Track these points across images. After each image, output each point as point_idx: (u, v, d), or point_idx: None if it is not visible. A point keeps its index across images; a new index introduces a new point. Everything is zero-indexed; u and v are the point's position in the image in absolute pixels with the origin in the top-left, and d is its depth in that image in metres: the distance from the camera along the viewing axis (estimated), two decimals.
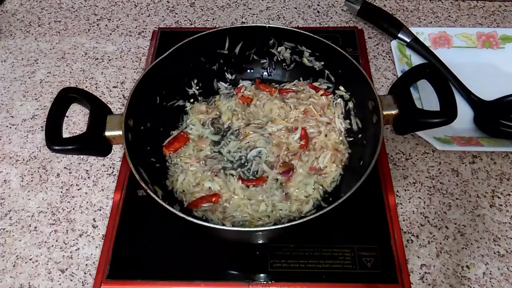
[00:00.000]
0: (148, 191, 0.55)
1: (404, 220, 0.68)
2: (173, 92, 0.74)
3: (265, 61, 0.79)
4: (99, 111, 0.60)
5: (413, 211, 0.69)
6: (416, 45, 0.85)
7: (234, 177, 0.67)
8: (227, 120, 0.73)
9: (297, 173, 0.66)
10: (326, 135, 0.70)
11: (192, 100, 0.77)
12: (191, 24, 0.98)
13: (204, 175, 0.67)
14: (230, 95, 0.77)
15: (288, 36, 0.74)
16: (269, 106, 0.74)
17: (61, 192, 0.72)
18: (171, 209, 0.53)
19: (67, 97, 0.60)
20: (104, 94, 0.85)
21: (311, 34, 0.71)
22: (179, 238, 0.65)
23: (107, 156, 0.63)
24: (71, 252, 0.66)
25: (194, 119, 0.74)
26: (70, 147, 0.56)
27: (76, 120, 0.82)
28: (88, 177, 0.74)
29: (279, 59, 0.78)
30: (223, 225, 0.62)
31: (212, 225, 0.54)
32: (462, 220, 0.67)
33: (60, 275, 0.64)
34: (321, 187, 0.66)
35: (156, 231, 0.66)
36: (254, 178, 0.67)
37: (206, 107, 0.75)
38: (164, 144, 0.71)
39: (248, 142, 0.70)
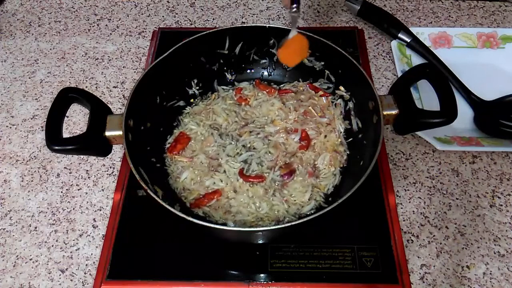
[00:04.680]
0: (148, 191, 0.55)
1: (404, 220, 0.68)
2: (173, 92, 0.74)
3: (265, 61, 0.79)
4: (99, 111, 0.60)
5: (413, 211, 0.69)
6: (416, 45, 0.85)
7: (235, 170, 0.67)
8: (224, 121, 0.73)
9: (295, 180, 0.66)
10: (325, 136, 0.71)
11: (191, 101, 0.77)
12: (191, 24, 0.98)
13: (207, 171, 0.67)
14: (227, 96, 0.77)
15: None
16: (266, 107, 0.74)
17: (61, 192, 0.72)
18: (171, 209, 0.53)
19: (67, 97, 0.60)
20: (104, 94, 0.85)
21: (311, 34, 0.70)
22: (179, 238, 0.65)
23: (107, 156, 0.63)
24: (71, 252, 0.66)
25: (192, 121, 0.74)
26: (70, 147, 0.56)
27: (76, 120, 0.82)
28: (88, 177, 0.74)
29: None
30: (224, 224, 0.62)
31: (212, 225, 0.54)
32: (462, 220, 0.67)
33: (60, 275, 0.64)
34: (319, 190, 0.66)
35: (156, 231, 0.66)
36: (253, 175, 0.67)
37: (204, 108, 0.75)
38: (167, 148, 0.71)
39: (244, 145, 0.70)
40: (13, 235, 0.68)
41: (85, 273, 0.64)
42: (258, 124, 0.73)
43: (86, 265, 0.65)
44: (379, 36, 0.93)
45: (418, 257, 0.64)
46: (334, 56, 0.69)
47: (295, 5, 0.63)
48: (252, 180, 0.66)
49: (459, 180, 0.72)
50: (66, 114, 0.60)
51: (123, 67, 0.90)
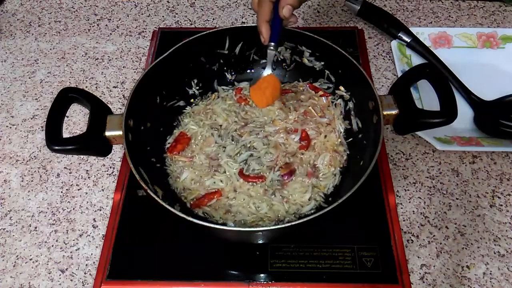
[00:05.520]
0: (148, 191, 0.55)
1: (404, 220, 0.68)
2: (173, 92, 0.74)
3: (265, 61, 0.79)
4: (99, 111, 0.60)
5: (413, 211, 0.69)
6: (416, 45, 0.85)
7: (235, 170, 0.67)
8: (224, 121, 0.73)
9: (294, 180, 0.66)
10: (325, 136, 0.71)
11: (191, 101, 0.77)
12: (191, 24, 0.98)
13: (207, 172, 0.67)
14: (227, 96, 0.77)
15: (288, 36, 0.74)
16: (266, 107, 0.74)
17: (61, 192, 0.72)
18: (171, 209, 0.53)
19: (67, 97, 0.60)
20: (104, 94, 0.85)
21: (311, 34, 0.71)
22: (179, 238, 0.65)
23: (107, 156, 0.63)
24: (71, 252, 0.66)
25: (192, 121, 0.74)
26: (70, 147, 0.56)
27: (76, 120, 0.82)
28: (88, 177, 0.74)
29: (279, 59, 0.78)
30: (224, 224, 0.62)
31: (212, 225, 0.54)
32: (462, 220, 0.67)
33: (60, 275, 0.64)
34: (319, 190, 0.66)
35: (156, 231, 0.66)
36: (253, 175, 0.67)
37: (204, 108, 0.75)
38: (167, 148, 0.71)
39: (244, 145, 0.70)
40: (13, 235, 0.68)
41: (85, 273, 0.64)
42: (258, 124, 0.72)
43: (86, 265, 0.65)
44: (379, 36, 0.93)
45: (418, 257, 0.64)
46: (334, 56, 0.69)
47: (273, 43, 0.63)
48: (252, 180, 0.66)
49: (459, 180, 0.72)
50: (66, 114, 0.60)
51: (123, 67, 0.90)
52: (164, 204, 0.53)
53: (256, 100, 0.67)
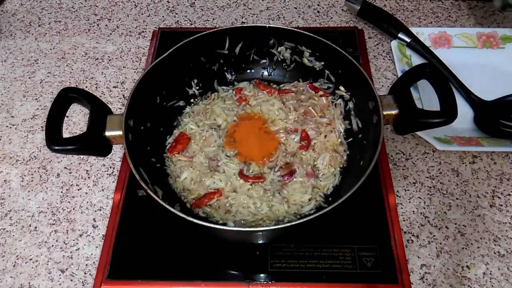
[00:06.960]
0: (148, 191, 0.55)
1: (404, 220, 0.68)
2: (173, 92, 0.74)
3: (265, 61, 0.79)
4: (99, 111, 0.60)
5: (413, 211, 0.69)
6: (416, 45, 0.85)
7: (235, 171, 0.67)
8: (223, 121, 0.73)
9: (295, 181, 0.66)
10: (325, 136, 0.70)
11: (191, 101, 0.77)
12: (191, 24, 0.98)
13: (207, 171, 0.67)
14: (227, 96, 0.77)
15: (288, 36, 0.74)
16: (266, 107, 0.74)
17: (61, 192, 0.72)
18: (171, 209, 0.53)
19: (67, 97, 0.60)
20: (104, 94, 0.85)
21: (311, 34, 0.71)
22: (179, 238, 0.65)
23: (107, 156, 0.63)
24: (71, 252, 0.66)
25: (192, 121, 0.74)
26: (70, 147, 0.56)
27: (76, 120, 0.82)
28: (88, 177, 0.74)
29: (279, 59, 0.78)
30: (224, 224, 0.62)
31: (212, 225, 0.54)
32: (462, 220, 0.67)
33: (60, 275, 0.64)
34: (319, 191, 0.66)
35: (156, 231, 0.66)
36: (253, 176, 0.67)
37: (203, 108, 0.75)
38: (167, 148, 0.71)
39: None
40: (13, 235, 0.68)
41: (85, 273, 0.64)
42: None
43: (86, 265, 0.65)
44: (379, 36, 0.93)
45: (418, 257, 0.64)
46: (334, 56, 0.69)
47: None
48: (252, 180, 0.66)
49: (459, 180, 0.72)
50: (66, 114, 0.60)
51: (123, 67, 0.90)
52: (164, 204, 0.53)
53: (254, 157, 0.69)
